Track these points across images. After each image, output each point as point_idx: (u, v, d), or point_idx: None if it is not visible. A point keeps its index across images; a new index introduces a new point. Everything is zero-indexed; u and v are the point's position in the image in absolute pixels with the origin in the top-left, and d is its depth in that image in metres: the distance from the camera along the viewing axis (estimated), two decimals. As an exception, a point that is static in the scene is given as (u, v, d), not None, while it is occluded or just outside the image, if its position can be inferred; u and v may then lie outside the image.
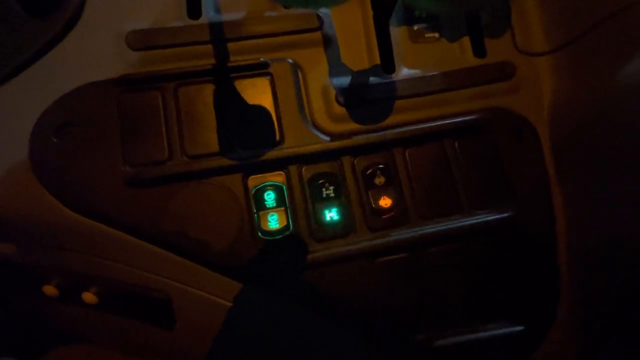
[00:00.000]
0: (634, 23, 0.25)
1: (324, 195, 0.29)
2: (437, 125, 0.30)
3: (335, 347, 0.29)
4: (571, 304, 0.30)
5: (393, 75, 0.31)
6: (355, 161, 0.30)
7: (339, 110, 0.30)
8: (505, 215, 0.29)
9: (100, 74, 0.28)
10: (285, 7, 0.30)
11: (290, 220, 0.28)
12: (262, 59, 0.29)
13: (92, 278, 0.28)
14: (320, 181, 0.29)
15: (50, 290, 0.29)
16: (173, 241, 0.27)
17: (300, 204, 0.28)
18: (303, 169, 0.29)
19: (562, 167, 0.30)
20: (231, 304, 0.28)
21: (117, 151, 0.27)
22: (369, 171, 0.29)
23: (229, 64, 0.29)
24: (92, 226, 0.27)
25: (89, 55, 0.28)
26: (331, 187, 0.29)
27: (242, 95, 0.29)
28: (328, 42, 0.30)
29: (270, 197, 0.28)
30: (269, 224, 0.28)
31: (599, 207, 0.27)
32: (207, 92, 0.29)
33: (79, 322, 0.32)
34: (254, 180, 0.29)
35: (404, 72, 0.31)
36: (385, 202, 0.29)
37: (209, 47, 0.29)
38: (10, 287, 0.31)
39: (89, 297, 0.29)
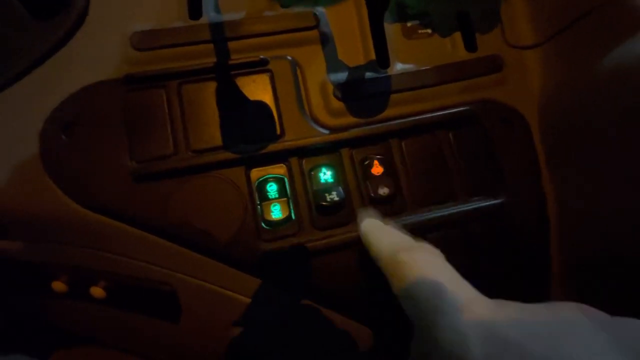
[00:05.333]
0: (616, 15, 0.26)
1: (325, 186, 0.29)
2: (431, 117, 0.31)
3: (339, 338, 0.29)
4: (562, 287, 0.31)
5: (388, 70, 0.32)
6: (354, 153, 0.30)
7: (337, 104, 0.30)
8: (497, 201, 0.30)
9: (106, 73, 0.29)
10: (283, 7, 0.31)
11: (292, 210, 0.29)
12: (262, 57, 0.30)
13: (101, 272, 0.29)
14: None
15: (59, 286, 0.29)
16: (179, 233, 0.28)
17: (302, 194, 0.29)
18: (303, 161, 0.30)
19: (551, 154, 0.31)
20: (235, 295, 0.28)
21: (124, 147, 0.28)
22: (367, 162, 0.30)
23: (230, 62, 0.30)
24: (102, 221, 0.27)
25: (95, 56, 0.29)
26: None
27: (244, 91, 0.30)
28: (325, 40, 0.31)
29: (272, 189, 0.29)
30: (271, 214, 0.29)
31: (588, 192, 0.28)
32: (210, 89, 0.29)
33: (86, 320, 0.32)
34: (256, 173, 0.29)
35: (398, 67, 0.32)
36: (383, 191, 0.30)
37: (210, 46, 0.30)
38: (20, 285, 0.31)
39: (97, 291, 0.29)
